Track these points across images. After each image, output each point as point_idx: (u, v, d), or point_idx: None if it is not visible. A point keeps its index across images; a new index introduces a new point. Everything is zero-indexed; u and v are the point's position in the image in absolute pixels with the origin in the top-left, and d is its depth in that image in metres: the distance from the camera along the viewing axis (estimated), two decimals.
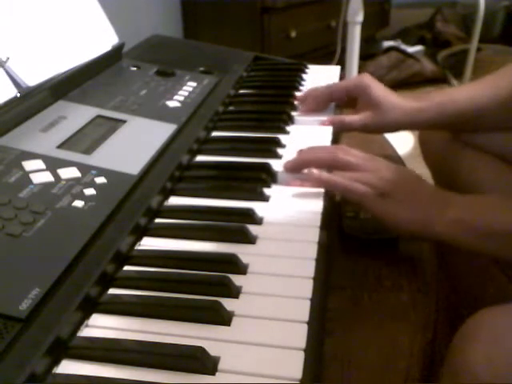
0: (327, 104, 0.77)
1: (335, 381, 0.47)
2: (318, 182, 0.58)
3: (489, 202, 0.56)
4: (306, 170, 0.60)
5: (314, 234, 0.50)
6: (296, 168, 0.61)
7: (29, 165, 0.51)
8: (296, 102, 0.79)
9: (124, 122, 0.64)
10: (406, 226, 0.56)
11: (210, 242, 0.49)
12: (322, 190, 0.57)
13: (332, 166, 0.59)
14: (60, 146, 0.56)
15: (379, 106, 0.69)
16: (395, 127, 0.72)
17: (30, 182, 0.49)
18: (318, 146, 0.65)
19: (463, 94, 0.69)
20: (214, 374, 0.35)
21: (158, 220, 0.52)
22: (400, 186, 0.56)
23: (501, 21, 2.45)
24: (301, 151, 0.63)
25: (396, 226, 0.57)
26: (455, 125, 0.72)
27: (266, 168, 0.61)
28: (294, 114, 0.77)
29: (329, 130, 0.71)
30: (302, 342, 0.37)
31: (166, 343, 0.37)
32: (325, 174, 0.58)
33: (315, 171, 0.59)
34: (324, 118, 0.74)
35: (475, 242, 0.53)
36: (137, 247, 0.48)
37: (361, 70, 1.81)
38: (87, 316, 0.40)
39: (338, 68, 0.96)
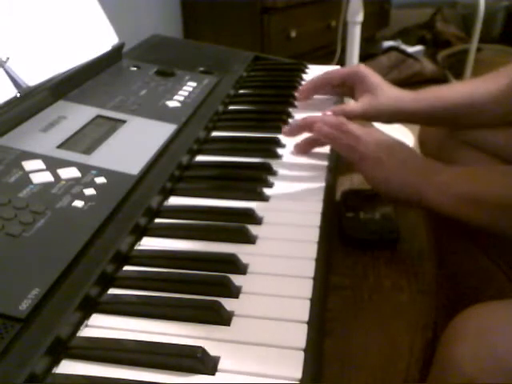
0: (324, 89, 0.80)
1: (335, 381, 0.47)
2: (321, 135, 0.63)
3: (477, 173, 0.58)
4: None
5: (313, 234, 0.50)
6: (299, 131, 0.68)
7: (29, 165, 0.51)
8: (296, 94, 0.80)
9: (124, 122, 0.64)
10: (399, 190, 0.58)
11: (209, 242, 0.49)
12: (321, 191, 0.58)
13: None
14: (60, 146, 0.56)
15: (376, 91, 0.72)
16: (393, 113, 0.73)
17: (30, 182, 0.49)
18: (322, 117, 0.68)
19: (462, 88, 0.71)
20: (213, 374, 0.35)
21: (157, 220, 0.52)
22: (395, 153, 0.59)
23: (501, 21, 2.45)
24: (305, 119, 0.67)
25: (389, 191, 0.59)
26: (452, 119, 0.72)
27: (266, 168, 0.61)
28: (293, 113, 0.77)
29: None
30: (302, 341, 0.37)
31: (166, 343, 0.37)
32: (328, 129, 0.63)
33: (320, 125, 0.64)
34: (325, 111, 0.74)
35: (462, 210, 0.54)
36: (137, 247, 0.48)
37: None
38: (87, 316, 0.40)
39: (338, 68, 0.96)
